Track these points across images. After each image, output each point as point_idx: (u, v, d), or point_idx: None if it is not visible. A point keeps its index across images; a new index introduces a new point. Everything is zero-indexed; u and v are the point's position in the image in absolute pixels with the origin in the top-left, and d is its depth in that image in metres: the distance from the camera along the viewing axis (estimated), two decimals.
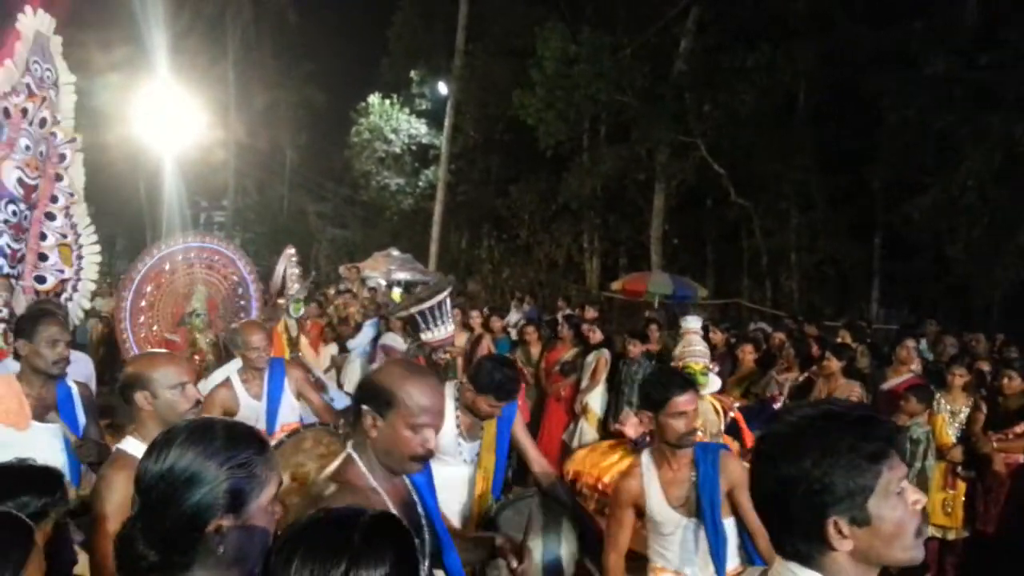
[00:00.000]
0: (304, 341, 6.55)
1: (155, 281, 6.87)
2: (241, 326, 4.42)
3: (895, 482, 1.25)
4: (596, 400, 7.15)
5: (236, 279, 7.15)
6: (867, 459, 1.23)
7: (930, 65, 13.79)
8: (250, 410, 4.07)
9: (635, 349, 7.12)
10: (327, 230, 28.54)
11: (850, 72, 15.77)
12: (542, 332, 8.58)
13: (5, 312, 4.59)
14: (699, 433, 3.24)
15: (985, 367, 6.47)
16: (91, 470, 3.24)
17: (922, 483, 5.25)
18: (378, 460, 1.89)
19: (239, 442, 1.43)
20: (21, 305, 4.87)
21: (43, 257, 5.70)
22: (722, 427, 4.34)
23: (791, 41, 16.33)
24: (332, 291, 11.47)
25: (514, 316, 12.26)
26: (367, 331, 8.55)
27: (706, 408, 4.26)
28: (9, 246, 5.25)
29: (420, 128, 25.26)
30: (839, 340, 7.11)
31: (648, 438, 3.36)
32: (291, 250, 6.74)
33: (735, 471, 2.83)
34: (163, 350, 3.35)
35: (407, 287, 16.21)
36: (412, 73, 25.33)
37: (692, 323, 4.95)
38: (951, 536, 5.49)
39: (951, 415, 5.65)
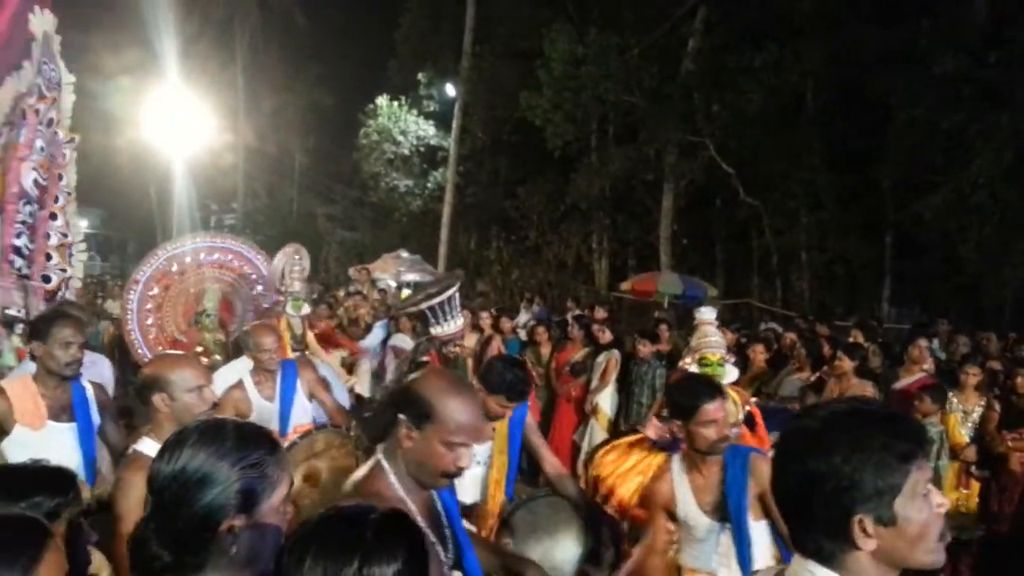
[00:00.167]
0: (311, 338, 6.54)
1: (162, 282, 6.87)
2: (252, 328, 4.43)
3: (922, 483, 1.24)
4: (606, 400, 7.14)
5: (254, 276, 7.11)
6: (897, 458, 1.22)
7: (938, 64, 13.72)
8: (263, 412, 4.08)
9: (645, 349, 7.11)
10: (336, 232, 28.60)
11: (858, 71, 15.71)
12: (552, 333, 8.57)
13: (23, 313, 4.62)
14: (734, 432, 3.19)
15: (996, 366, 6.43)
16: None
17: (935, 483, 5.18)
18: (407, 471, 1.86)
19: (250, 442, 1.44)
20: (35, 306, 4.90)
21: (48, 256, 5.74)
22: (740, 417, 4.30)
23: (798, 41, 16.29)
24: (342, 293, 11.51)
25: (523, 317, 12.26)
26: (377, 332, 8.57)
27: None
28: (27, 247, 5.28)
29: (428, 130, 25.30)
30: (851, 339, 7.06)
31: (670, 438, 3.34)
32: (291, 248, 6.66)
33: (766, 473, 2.80)
34: (180, 352, 3.37)
35: (416, 288, 16.20)
36: (420, 75, 25.37)
37: (706, 314, 4.90)
38: (965, 536, 5.45)
39: (964, 415, 5.62)
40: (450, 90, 24.19)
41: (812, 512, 1.26)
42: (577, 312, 10.69)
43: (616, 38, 18.03)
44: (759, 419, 4.54)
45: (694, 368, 4.43)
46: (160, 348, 6.65)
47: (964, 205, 13.83)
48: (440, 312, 4.88)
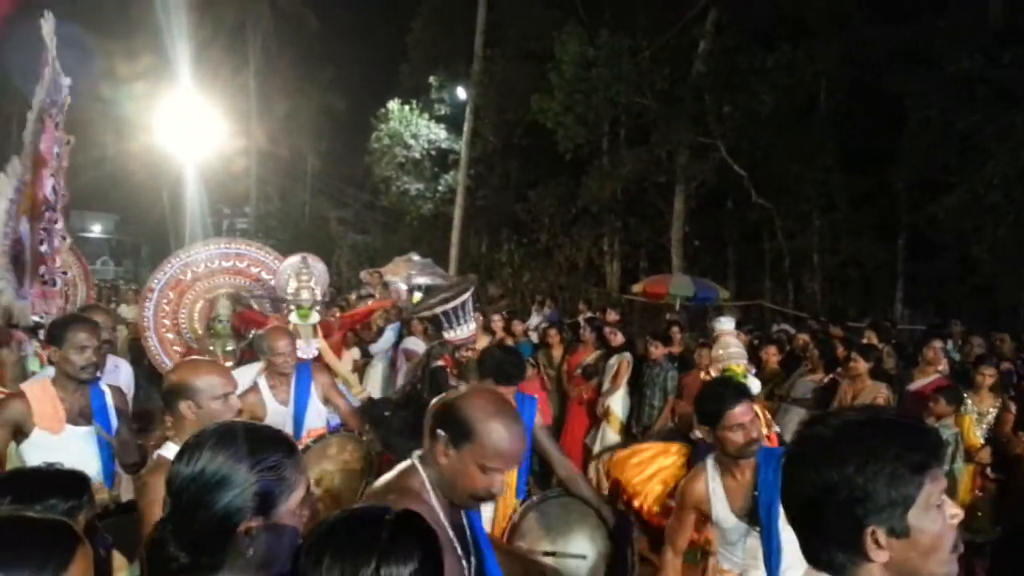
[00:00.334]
0: (324, 344, 6.53)
1: (177, 289, 6.92)
2: (266, 331, 4.44)
3: (936, 494, 1.22)
4: (618, 403, 7.12)
5: (272, 281, 7.10)
6: (911, 469, 1.20)
7: (952, 64, 13.63)
8: (277, 415, 4.10)
9: (657, 351, 7.08)
10: (348, 236, 28.67)
11: (871, 72, 15.63)
12: (564, 335, 8.57)
13: (45, 319, 4.67)
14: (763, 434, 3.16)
15: (1008, 367, 6.38)
16: (126, 471, 3.32)
17: (951, 486, 5.18)
18: (438, 485, 1.85)
19: (268, 445, 1.45)
20: (54, 310, 4.96)
21: (54, 260, 5.79)
22: (765, 432, 4.28)
23: (810, 41, 16.21)
24: (354, 296, 11.54)
25: (535, 319, 12.26)
26: (388, 335, 8.58)
27: None
28: (47, 252, 5.33)
29: (439, 133, 25.33)
30: (864, 341, 7.03)
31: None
32: (296, 257, 6.48)
33: None
34: (206, 359, 3.40)
35: (428, 291, 16.24)
36: (431, 79, 25.41)
37: (726, 324, 4.89)
38: (979, 539, 5.41)
39: (978, 416, 5.57)
40: (461, 93, 24.22)
41: (824, 522, 1.25)
42: (589, 314, 10.67)
43: (627, 40, 18.01)
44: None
45: None
46: (176, 351, 6.71)
47: (978, 206, 13.72)
48: (454, 317, 4.90)
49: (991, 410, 5.54)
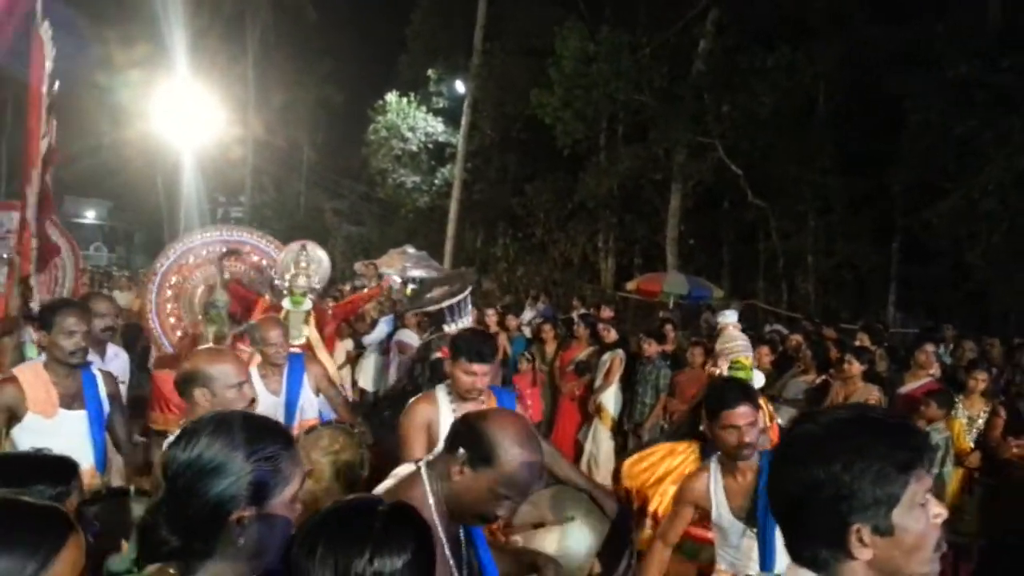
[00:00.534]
0: (315, 336, 6.51)
1: (179, 273, 6.95)
2: (259, 322, 4.43)
3: (921, 493, 1.22)
4: (610, 400, 7.13)
5: (271, 268, 7.12)
6: (897, 468, 1.21)
7: (952, 68, 13.66)
8: (268, 405, 4.09)
9: (650, 349, 7.10)
10: (343, 227, 28.63)
11: (870, 74, 15.65)
12: (558, 331, 8.58)
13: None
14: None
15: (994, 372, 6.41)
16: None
17: (940, 490, 5.20)
18: (445, 497, 1.82)
19: (266, 436, 1.46)
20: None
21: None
22: (767, 423, 4.26)
23: (811, 42, 16.24)
24: (348, 287, 11.53)
25: (528, 314, 12.27)
26: (382, 327, 8.59)
27: None
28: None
29: (437, 126, 25.31)
30: (857, 343, 7.05)
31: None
32: (296, 244, 6.51)
33: None
34: (221, 347, 3.40)
35: (422, 284, 16.23)
36: (430, 71, 25.38)
37: (730, 317, 4.83)
38: (966, 543, 5.44)
39: (969, 420, 5.59)
40: (460, 87, 24.20)
41: (809, 519, 1.25)
42: (583, 311, 10.68)
43: (628, 37, 18.02)
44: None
45: (725, 372, 4.40)
46: (178, 335, 6.74)
47: (973, 212, 13.75)
48: (457, 310, 4.92)
49: (982, 415, 5.57)
